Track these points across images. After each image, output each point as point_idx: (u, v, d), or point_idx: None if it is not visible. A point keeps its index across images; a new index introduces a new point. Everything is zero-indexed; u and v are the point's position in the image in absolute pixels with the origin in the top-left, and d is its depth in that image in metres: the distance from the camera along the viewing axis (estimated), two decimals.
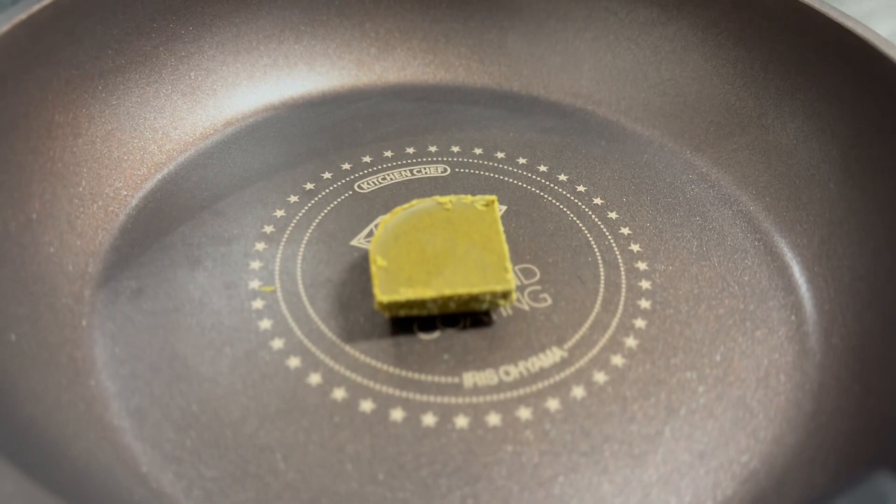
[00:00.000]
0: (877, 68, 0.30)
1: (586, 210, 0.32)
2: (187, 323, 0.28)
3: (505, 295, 0.26)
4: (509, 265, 0.27)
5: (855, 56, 0.31)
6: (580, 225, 0.32)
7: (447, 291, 0.26)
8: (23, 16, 0.29)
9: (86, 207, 0.30)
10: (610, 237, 0.31)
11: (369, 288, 0.29)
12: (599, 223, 0.32)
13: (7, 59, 0.29)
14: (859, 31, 0.31)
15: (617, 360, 0.27)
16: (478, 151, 0.35)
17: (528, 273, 0.30)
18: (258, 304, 0.28)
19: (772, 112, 0.34)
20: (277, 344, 0.27)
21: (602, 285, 0.29)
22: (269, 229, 0.31)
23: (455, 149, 0.35)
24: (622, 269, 0.30)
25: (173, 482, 0.24)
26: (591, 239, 0.31)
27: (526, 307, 0.28)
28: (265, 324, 0.28)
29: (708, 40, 0.36)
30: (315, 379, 0.26)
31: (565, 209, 0.32)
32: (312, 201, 0.32)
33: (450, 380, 0.26)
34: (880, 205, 0.30)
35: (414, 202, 0.29)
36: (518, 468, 0.24)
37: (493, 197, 0.29)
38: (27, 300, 0.27)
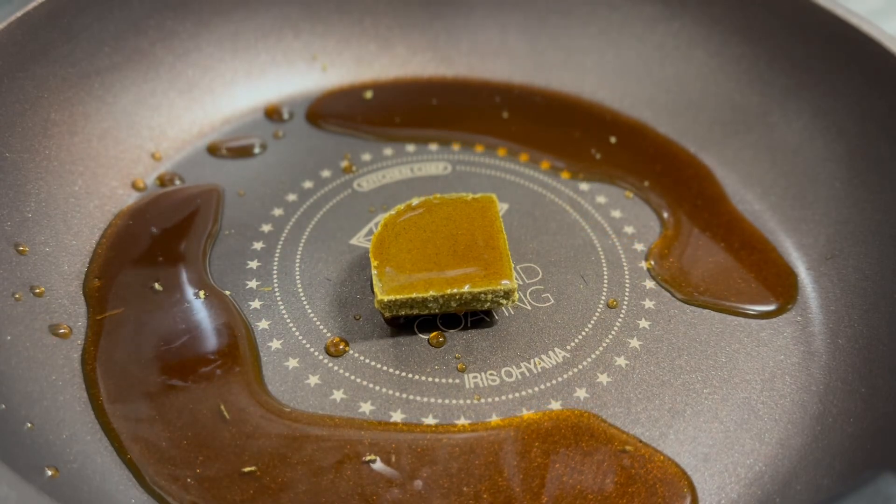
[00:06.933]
0: (883, 66, 0.30)
1: (589, 208, 0.32)
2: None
3: (507, 294, 0.26)
4: (511, 264, 0.26)
5: (861, 53, 0.31)
6: (583, 223, 0.31)
7: (448, 290, 0.26)
8: (19, 13, 0.29)
9: (81, 206, 0.30)
10: (613, 236, 0.31)
11: (369, 288, 0.28)
12: (603, 221, 0.31)
13: (3, 57, 0.29)
14: (865, 28, 0.30)
15: (620, 361, 0.27)
16: (479, 149, 0.34)
17: (530, 272, 0.29)
18: (256, 304, 0.28)
19: (777, 110, 0.33)
20: (275, 344, 0.27)
21: (605, 285, 0.29)
22: (266, 228, 0.31)
23: (456, 146, 0.35)
24: (626, 268, 0.30)
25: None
26: (594, 237, 0.31)
27: (528, 307, 0.28)
28: (263, 324, 0.27)
29: (712, 37, 0.35)
30: (314, 380, 0.26)
31: (568, 207, 0.32)
32: (311, 200, 0.32)
33: (451, 381, 0.26)
34: (886, 204, 0.29)
35: (414, 200, 0.29)
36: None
37: (493, 195, 0.29)
38: (22, 300, 0.26)
